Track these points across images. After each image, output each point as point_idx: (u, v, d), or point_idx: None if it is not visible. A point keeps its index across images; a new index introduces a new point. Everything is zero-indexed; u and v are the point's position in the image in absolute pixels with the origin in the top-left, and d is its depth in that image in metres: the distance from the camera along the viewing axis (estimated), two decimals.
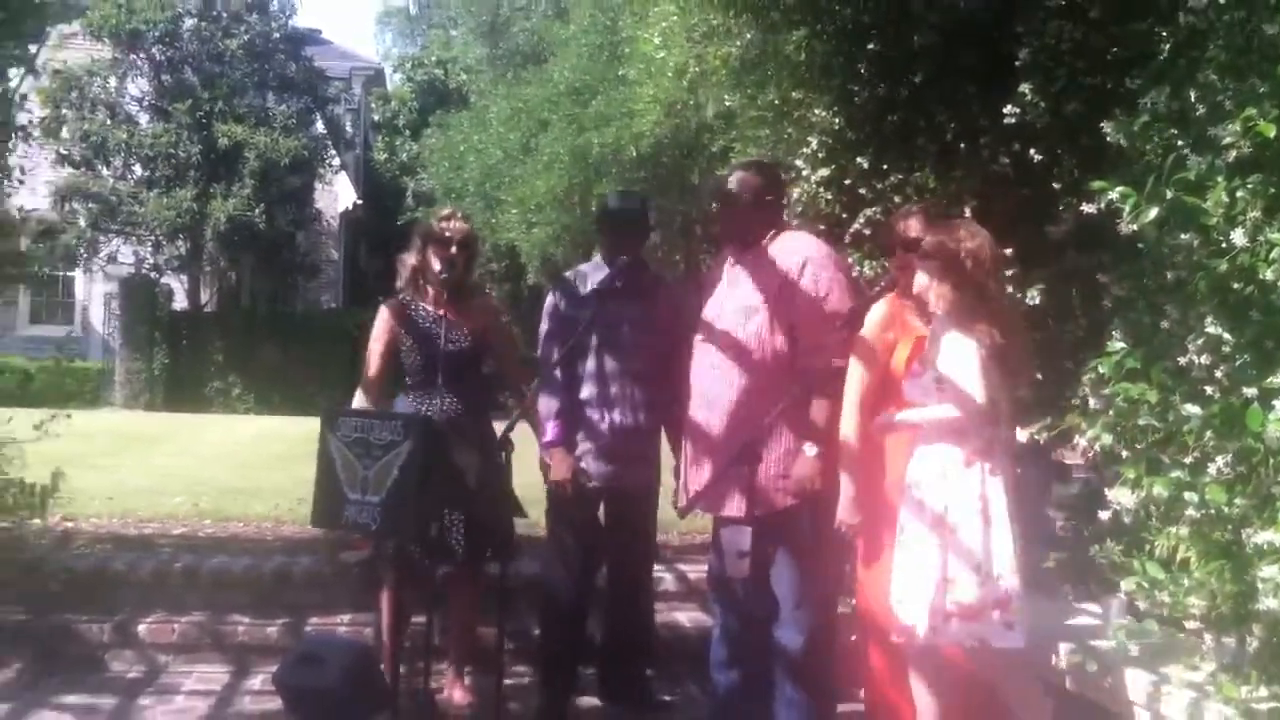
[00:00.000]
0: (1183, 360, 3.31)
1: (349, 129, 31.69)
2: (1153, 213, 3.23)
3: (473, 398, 5.31)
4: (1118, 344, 3.60)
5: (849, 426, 4.60)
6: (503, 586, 4.91)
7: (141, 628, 6.32)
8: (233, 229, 23.50)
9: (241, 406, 23.00)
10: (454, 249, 5.27)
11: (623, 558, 5.41)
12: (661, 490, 5.52)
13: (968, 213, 5.80)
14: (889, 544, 4.45)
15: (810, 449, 4.61)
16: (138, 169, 24.40)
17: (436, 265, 5.25)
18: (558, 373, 5.22)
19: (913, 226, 4.61)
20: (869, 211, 6.05)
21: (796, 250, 4.82)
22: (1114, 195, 3.30)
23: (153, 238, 24.17)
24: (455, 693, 5.53)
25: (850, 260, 6.08)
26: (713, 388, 4.83)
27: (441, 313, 5.22)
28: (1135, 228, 3.29)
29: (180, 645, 6.29)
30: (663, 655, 6.07)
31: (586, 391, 5.24)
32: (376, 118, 36.03)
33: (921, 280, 4.35)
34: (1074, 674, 4.71)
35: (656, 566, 6.46)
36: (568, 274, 5.45)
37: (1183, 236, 3.25)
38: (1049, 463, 5.47)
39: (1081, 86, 5.46)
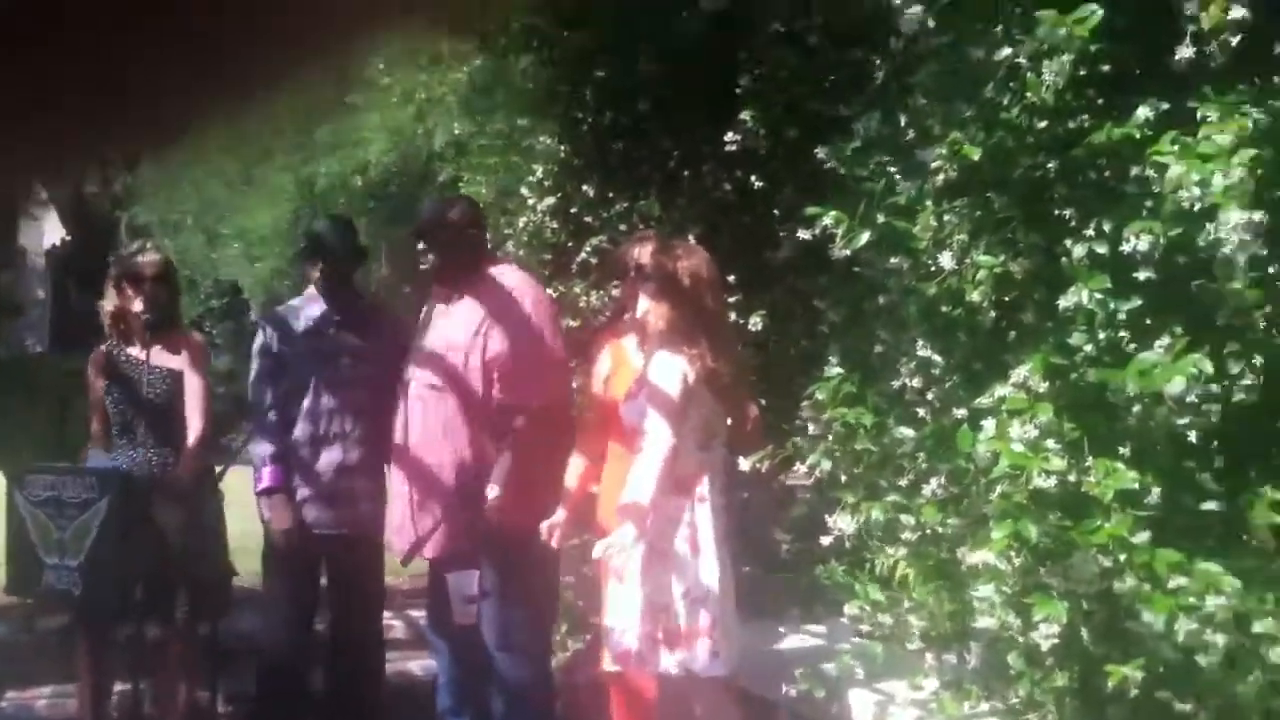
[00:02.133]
0: (896, 384, 3.34)
1: None
2: (864, 237, 3.25)
3: (181, 447, 4.99)
4: (834, 369, 3.62)
5: (572, 471, 4.57)
6: (216, 646, 4.62)
7: None
8: None
9: None
10: (150, 284, 4.93)
11: (350, 610, 5.15)
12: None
13: (691, 239, 5.84)
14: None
15: (491, 490, 4.50)
16: None
17: (137, 305, 4.91)
18: (272, 415, 4.95)
19: (645, 254, 4.57)
20: (595, 240, 6.00)
21: (505, 285, 4.75)
22: (828, 221, 3.32)
23: None
24: None
25: (576, 290, 6.03)
26: (424, 426, 4.70)
27: (144, 357, 4.89)
28: (848, 253, 3.31)
29: None
30: (395, 706, 5.84)
31: (301, 431, 4.98)
32: None
33: (643, 304, 4.31)
34: (804, 700, 4.75)
35: (385, 614, 6.24)
36: (278, 309, 5.19)
37: (893, 261, 3.29)
38: (775, 486, 5.53)
39: (800, 112, 5.55)
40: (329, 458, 4.96)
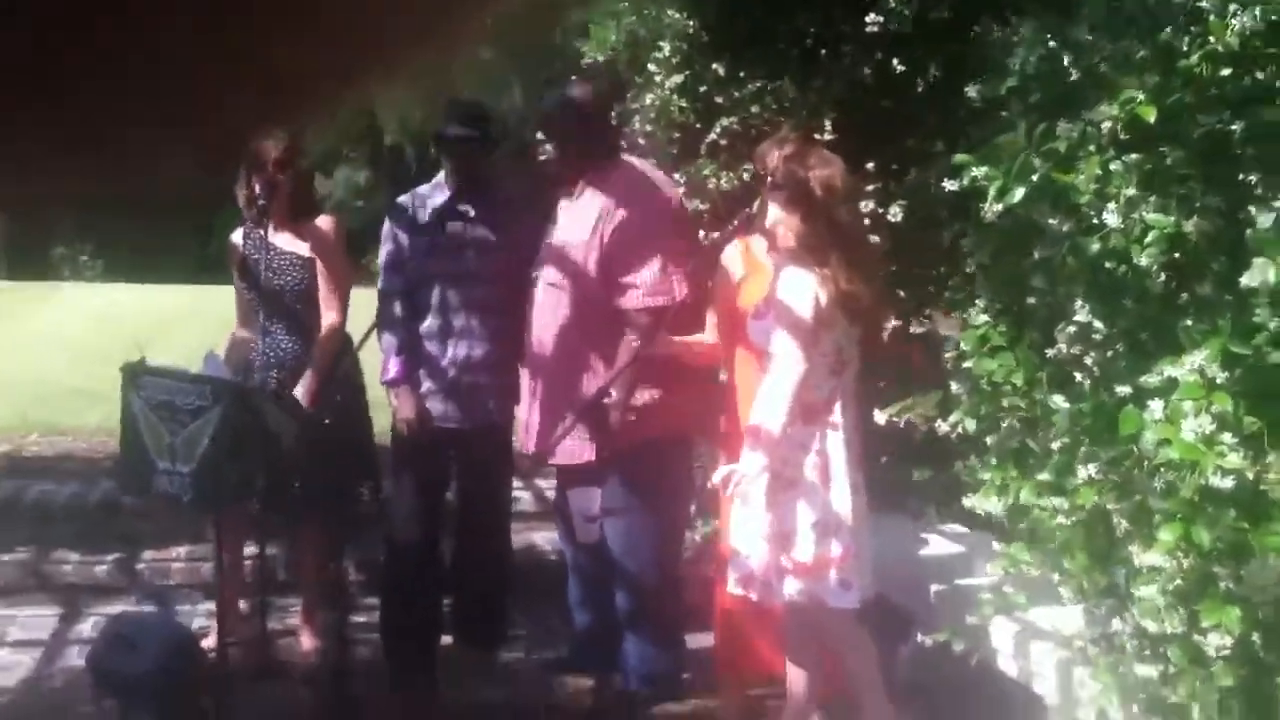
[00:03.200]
0: (1051, 353, 3.05)
1: None
2: (1019, 193, 2.94)
3: (311, 338, 4.91)
4: (981, 316, 3.34)
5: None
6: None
7: None
8: None
9: (89, 274, 22.06)
10: (271, 168, 4.79)
11: (475, 505, 5.09)
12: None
13: (827, 124, 5.51)
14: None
15: (613, 395, 4.34)
16: None
17: (261, 189, 4.78)
18: (398, 306, 4.84)
19: (777, 159, 4.27)
20: (725, 121, 5.68)
21: (630, 179, 4.53)
22: (978, 174, 3.00)
23: None
24: (303, 638, 5.23)
25: (705, 172, 5.76)
26: (547, 325, 4.56)
27: (268, 241, 4.78)
28: (1000, 208, 3.01)
29: (2, 587, 5.88)
30: (521, 583, 5.84)
31: (428, 325, 4.86)
32: None
33: (773, 214, 4.05)
34: (938, 609, 4.60)
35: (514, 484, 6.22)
36: (403, 198, 5.01)
37: (1050, 221, 2.97)
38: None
39: None
40: (455, 352, 4.84)
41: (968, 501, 3.27)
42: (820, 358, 3.88)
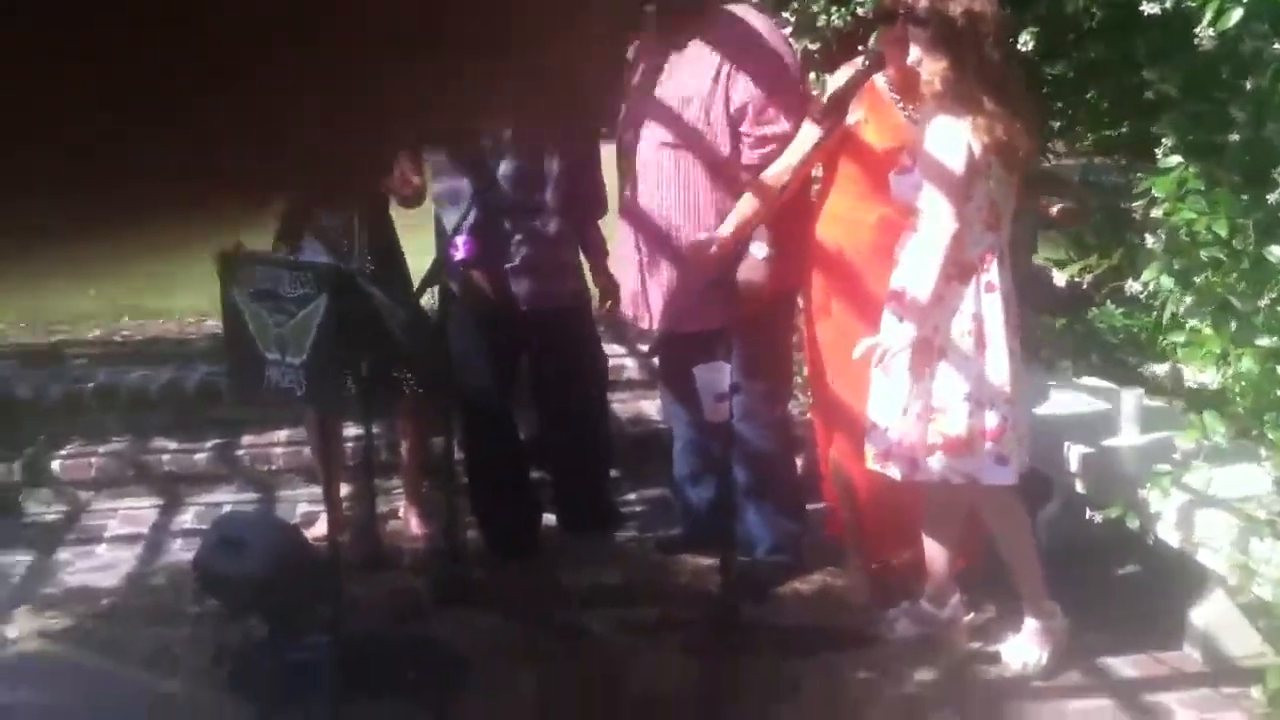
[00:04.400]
0: (1272, 196, 2.68)
1: None
2: (1237, 14, 2.56)
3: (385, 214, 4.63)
4: (1172, 158, 2.97)
5: (777, 172, 4.07)
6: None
7: (56, 463, 5.76)
8: None
9: None
10: None
11: (562, 378, 4.78)
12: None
13: None
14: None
15: (760, 249, 4.05)
16: None
17: None
18: (463, 178, 4.49)
19: None
20: None
21: (740, 28, 4.18)
22: None
23: None
24: (411, 520, 5.05)
25: (814, 7, 5.36)
26: (663, 187, 4.25)
27: None
28: (1214, 32, 2.62)
29: (100, 480, 5.75)
30: (629, 453, 5.63)
31: (498, 203, 4.52)
32: None
33: (913, 54, 3.67)
34: (1083, 475, 4.34)
35: (616, 349, 5.98)
36: None
37: (1276, 46, 2.58)
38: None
39: None
40: (526, 227, 4.51)
41: (1159, 368, 2.95)
42: (975, 212, 3.55)
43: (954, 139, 3.49)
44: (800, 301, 4.43)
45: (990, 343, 3.59)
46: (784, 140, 4.09)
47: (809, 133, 3.98)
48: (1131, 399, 4.27)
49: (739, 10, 4.26)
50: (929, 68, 3.57)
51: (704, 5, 4.21)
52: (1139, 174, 3.16)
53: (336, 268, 3.82)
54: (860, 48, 4.29)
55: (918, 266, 3.51)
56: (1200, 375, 2.86)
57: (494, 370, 4.66)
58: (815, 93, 4.44)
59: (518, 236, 4.51)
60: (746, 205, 4.10)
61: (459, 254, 4.47)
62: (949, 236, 3.47)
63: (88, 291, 8.44)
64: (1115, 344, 4.63)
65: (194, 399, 6.09)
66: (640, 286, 4.42)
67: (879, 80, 3.98)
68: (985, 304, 3.60)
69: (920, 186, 3.58)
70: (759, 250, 4.12)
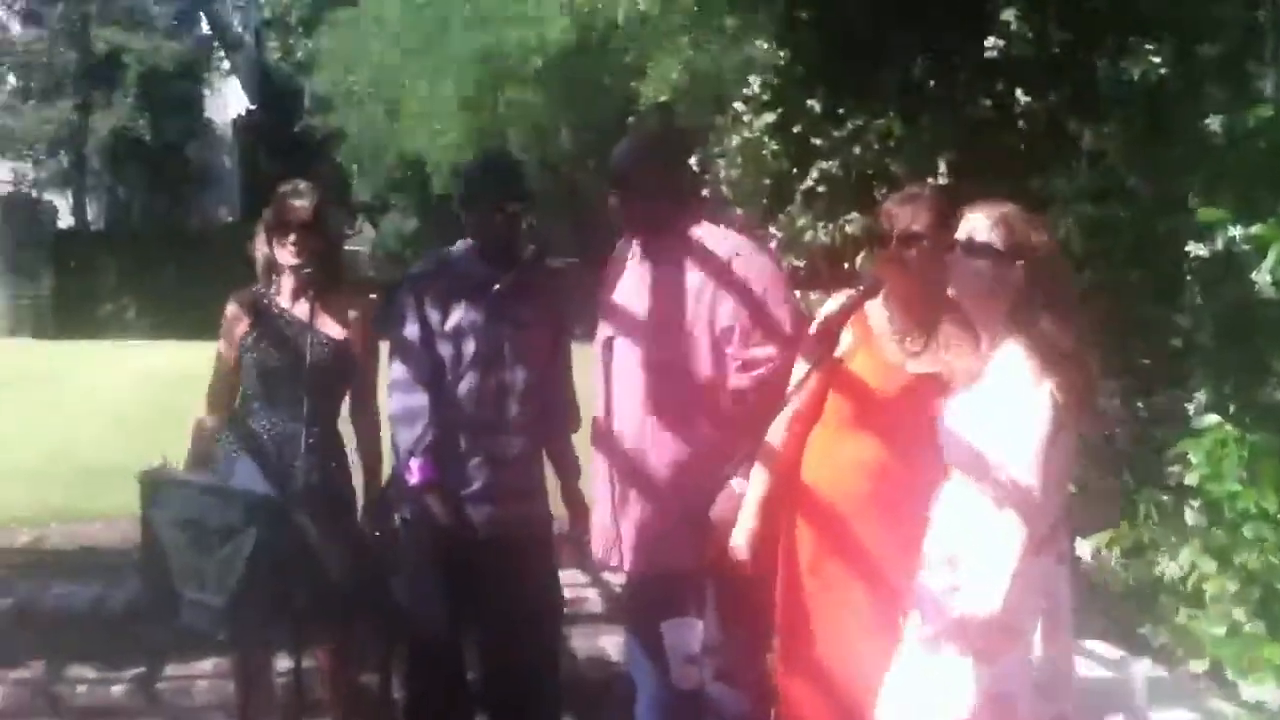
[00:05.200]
0: None
1: (237, 28, 29.90)
2: None
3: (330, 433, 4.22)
4: (1208, 419, 2.62)
5: (776, 431, 3.68)
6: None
7: None
8: (116, 141, 22.07)
9: (137, 331, 21.76)
10: (299, 232, 4.10)
11: (516, 625, 4.32)
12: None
13: (942, 167, 4.87)
14: (841, 632, 3.53)
15: (740, 484, 3.64)
16: (11, 79, 22.76)
17: (287, 255, 4.10)
18: (419, 395, 4.13)
19: (920, 217, 3.54)
20: (823, 165, 5.07)
21: (721, 243, 3.84)
22: (1236, 233, 2.32)
23: (31, 153, 22.64)
24: None
25: (800, 223, 5.13)
26: (641, 409, 3.89)
27: (304, 317, 4.06)
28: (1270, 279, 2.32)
29: (5, 711, 5.22)
30: (585, 696, 5.14)
31: (456, 416, 4.14)
32: (266, 14, 33.84)
33: (969, 290, 3.22)
34: None
35: (579, 578, 5.55)
36: (423, 266, 4.30)
37: None
38: None
39: (1078, 9, 4.50)
40: (489, 447, 4.15)
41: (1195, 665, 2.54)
42: (1058, 477, 3.00)
43: (1033, 404, 2.93)
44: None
45: (1061, 624, 3.11)
46: (773, 362, 3.73)
47: (800, 368, 3.64)
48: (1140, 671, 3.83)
49: (714, 231, 3.94)
50: (993, 305, 3.14)
51: (674, 225, 3.88)
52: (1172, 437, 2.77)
53: (268, 499, 3.43)
54: (847, 266, 3.98)
55: (986, 580, 2.98)
56: (1258, 690, 2.43)
57: (444, 605, 4.24)
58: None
59: (477, 459, 4.14)
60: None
61: (413, 478, 4.09)
62: (1026, 538, 2.89)
63: (17, 487, 8.01)
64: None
65: (122, 618, 5.58)
66: (612, 521, 4.02)
67: (872, 308, 3.65)
68: (1060, 581, 3.13)
69: (979, 455, 3.10)
70: (739, 485, 3.72)
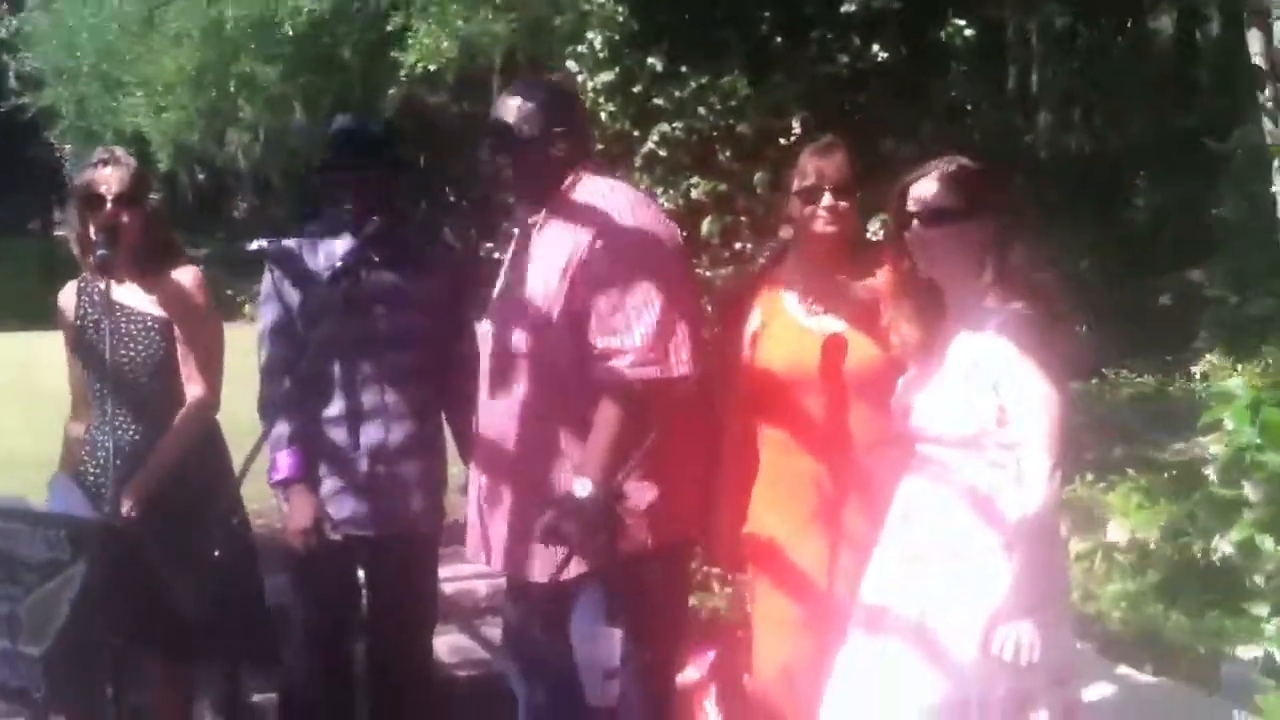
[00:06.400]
0: None
1: None
2: None
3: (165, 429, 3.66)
4: (1233, 381, 2.38)
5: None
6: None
7: None
8: None
9: None
10: (111, 207, 3.58)
11: (393, 630, 3.92)
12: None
13: (795, 127, 4.58)
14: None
15: (581, 486, 3.15)
16: None
17: (93, 235, 3.56)
18: (287, 383, 3.69)
19: (843, 167, 3.27)
20: (665, 127, 4.70)
21: (597, 207, 3.39)
22: None
23: None
24: None
25: (642, 187, 4.74)
26: (503, 403, 3.42)
27: (119, 299, 3.57)
28: None
29: None
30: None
31: (329, 405, 3.74)
32: None
33: (939, 260, 2.90)
34: None
35: (449, 632, 5.05)
36: (287, 243, 3.85)
37: None
38: None
39: None
40: (368, 437, 3.72)
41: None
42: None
43: (1039, 392, 2.72)
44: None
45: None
46: (632, 354, 3.25)
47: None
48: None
49: (598, 185, 3.48)
50: (955, 276, 2.89)
51: (560, 175, 3.42)
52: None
53: (100, 524, 2.83)
54: (777, 241, 3.58)
55: (1012, 581, 2.71)
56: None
57: (325, 616, 3.78)
58: None
59: (355, 450, 3.69)
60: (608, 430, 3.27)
61: (278, 473, 3.62)
62: (1051, 499, 2.69)
63: None
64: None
65: None
66: (479, 518, 3.57)
67: (788, 295, 3.32)
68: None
69: (982, 420, 2.78)
70: (581, 486, 3.22)
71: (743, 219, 4.74)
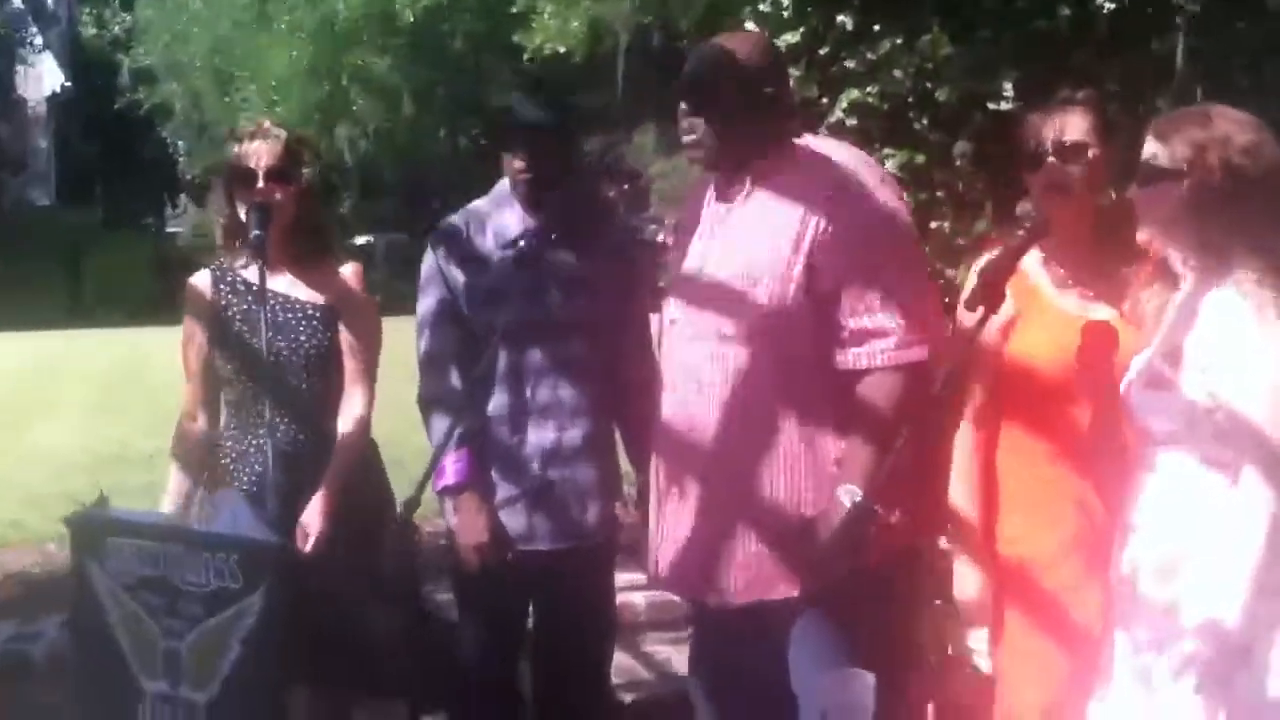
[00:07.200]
0: None
1: (49, 2, 27.90)
2: None
3: (324, 432, 3.27)
4: None
5: (959, 483, 2.91)
6: None
7: None
8: None
9: None
10: (263, 182, 3.20)
11: (569, 653, 3.51)
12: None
13: (1008, 89, 4.08)
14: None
15: (848, 494, 2.80)
16: None
17: (243, 215, 3.19)
18: (454, 375, 3.30)
19: (1073, 125, 2.82)
20: (855, 93, 4.22)
21: (828, 170, 2.98)
22: None
23: None
24: None
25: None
26: (712, 397, 2.99)
27: (282, 290, 3.19)
28: None
29: None
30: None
31: (498, 404, 3.34)
32: None
33: (1147, 224, 2.59)
34: None
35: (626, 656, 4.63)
36: (454, 219, 3.45)
37: None
38: None
39: None
40: (539, 438, 3.32)
41: None
42: None
43: (1266, 345, 2.38)
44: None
45: None
46: (893, 335, 2.87)
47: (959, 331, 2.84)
48: None
49: (820, 145, 3.07)
50: (1186, 237, 2.49)
51: (769, 138, 3.01)
52: None
53: (279, 547, 2.42)
54: (1027, 212, 3.11)
55: (1226, 577, 2.34)
56: None
57: (494, 638, 3.39)
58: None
59: (527, 451, 3.32)
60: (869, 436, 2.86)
61: (446, 478, 3.22)
62: (1273, 504, 2.34)
63: None
64: None
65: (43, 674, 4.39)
66: (659, 533, 3.14)
67: (1030, 261, 2.85)
68: None
69: (1193, 415, 2.42)
70: (848, 494, 2.83)
71: (939, 194, 4.26)
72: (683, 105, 3.05)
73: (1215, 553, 2.40)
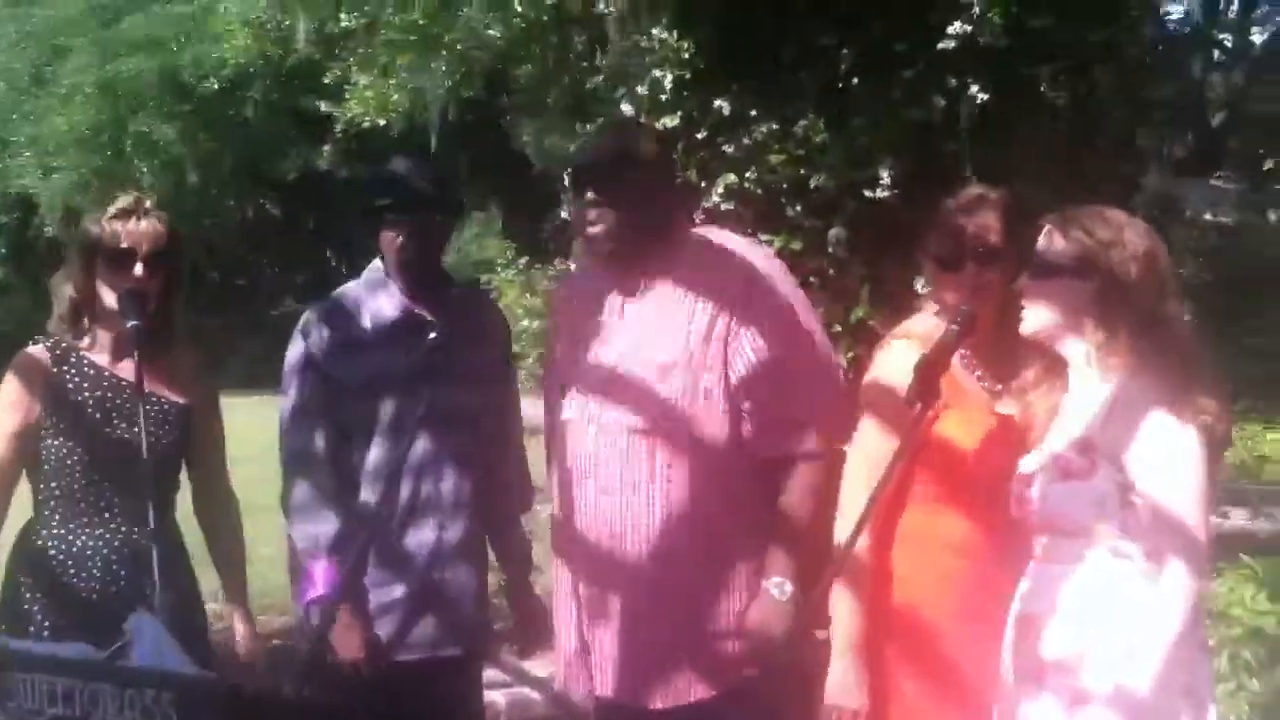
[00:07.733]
0: None
1: None
2: None
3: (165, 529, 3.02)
4: None
5: (857, 540, 2.86)
6: None
7: None
8: None
9: None
10: (142, 268, 2.95)
11: None
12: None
13: (884, 176, 4.15)
14: None
15: (777, 586, 2.80)
16: None
17: (110, 299, 2.93)
18: (325, 474, 3.06)
19: (992, 227, 2.83)
20: (732, 178, 4.23)
21: (734, 260, 2.95)
22: None
23: None
24: None
25: None
26: (628, 494, 2.90)
27: (134, 380, 2.90)
28: None
29: None
30: None
31: (372, 501, 3.10)
32: None
33: (1043, 317, 2.61)
34: None
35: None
36: (326, 303, 3.22)
37: None
38: None
39: None
40: (419, 538, 3.10)
41: None
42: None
43: (1178, 442, 2.42)
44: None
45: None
46: (812, 424, 2.85)
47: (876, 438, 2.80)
48: None
49: (714, 234, 3.03)
50: (1098, 335, 2.51)
51: (671, 225, 2.95)
52: None
53: (229, 686, 2.13)
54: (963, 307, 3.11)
55: (1147, 648, 2.35)
56: None
57: None
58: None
59: (406, 553, 3.09)
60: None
61: (314, 589, 2.97)
62: (1193, 595, 2.40)
63: None
64: None
65: None
66: (578, 644, 3.00)
67: (957, 362, 2.85)
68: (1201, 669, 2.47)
69: (1107, 501, 2.44)
70: (778, 588, 2.80)
71: (813, 280, 4.29)
72: (589, 194, 2.96)
73: (1127, 640, 2.41)
